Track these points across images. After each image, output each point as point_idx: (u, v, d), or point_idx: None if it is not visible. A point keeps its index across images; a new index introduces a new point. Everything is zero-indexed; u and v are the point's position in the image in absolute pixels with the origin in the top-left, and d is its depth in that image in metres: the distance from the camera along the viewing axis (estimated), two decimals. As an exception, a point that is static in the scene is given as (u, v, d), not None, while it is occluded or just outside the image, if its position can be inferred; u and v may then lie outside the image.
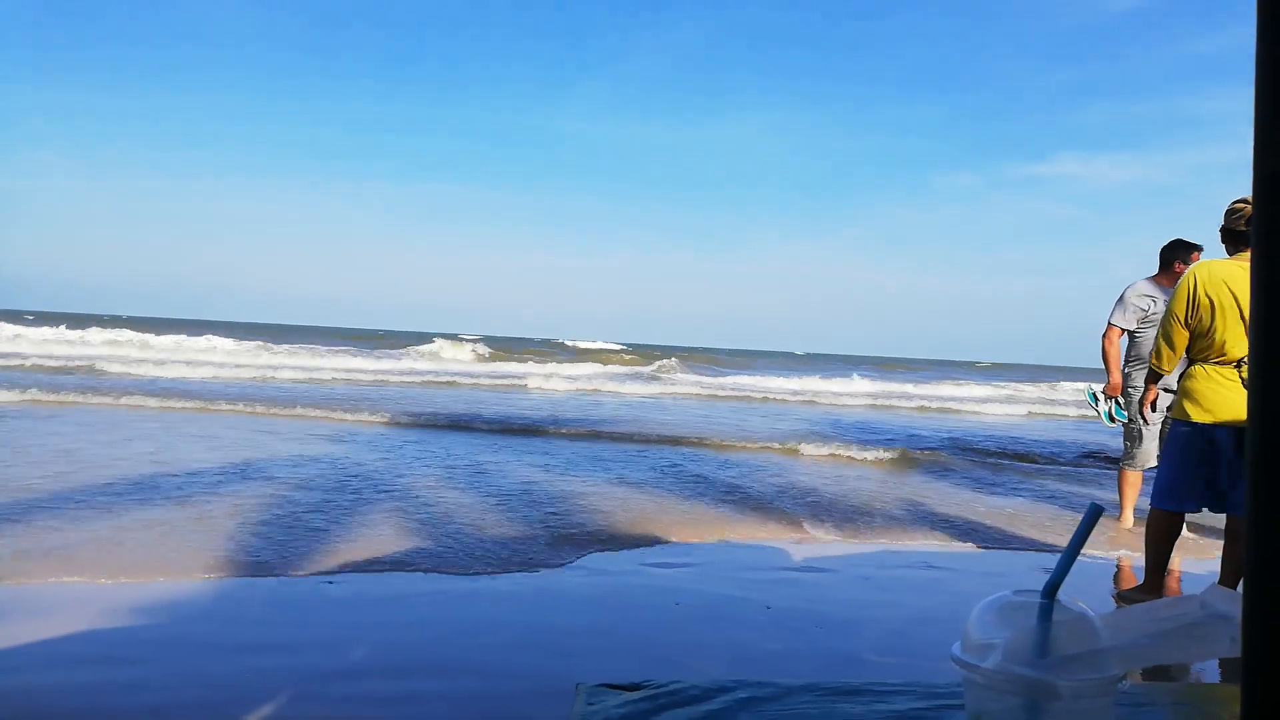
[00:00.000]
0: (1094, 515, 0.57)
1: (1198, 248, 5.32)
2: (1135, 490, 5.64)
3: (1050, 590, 0.56)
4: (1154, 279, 5.51)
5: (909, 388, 22.61)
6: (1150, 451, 5.48)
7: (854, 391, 20.64)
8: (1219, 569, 3.89)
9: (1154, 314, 5.44)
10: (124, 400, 10.17)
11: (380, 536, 4.40)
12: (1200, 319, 3.65)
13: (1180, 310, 3.70)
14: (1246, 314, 3.46)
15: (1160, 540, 3.86)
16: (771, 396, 17.88)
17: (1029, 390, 24.25)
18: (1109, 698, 0.56)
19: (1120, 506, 5.66)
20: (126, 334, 23.84)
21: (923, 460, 8.40)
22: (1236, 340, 3.59)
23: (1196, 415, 3.67)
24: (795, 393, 19.21)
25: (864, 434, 10.71)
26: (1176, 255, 5.40)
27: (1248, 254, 3.70)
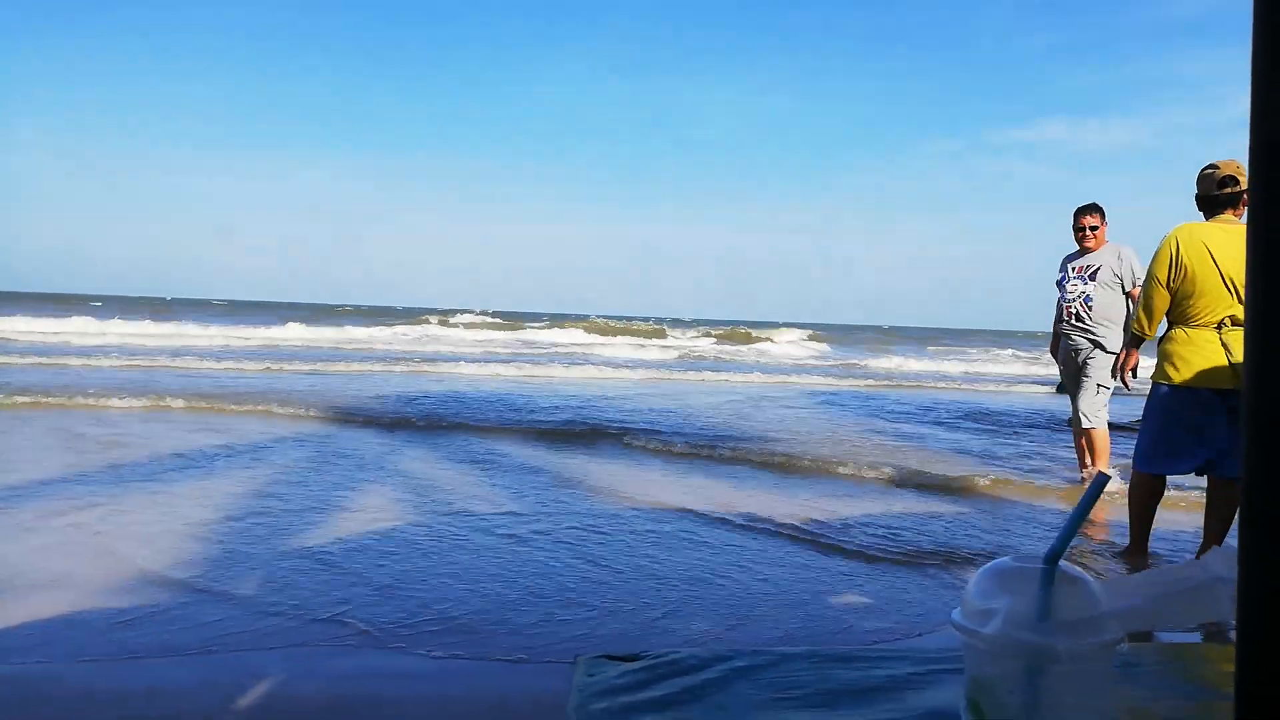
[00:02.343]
0: (1101, 484, 0.57)
1: (1082, 210, 5.74)
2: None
3: (1053, 557, 0.57)
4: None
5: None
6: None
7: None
8: (1203, 530, 3.94)
9: (1058, 279, 5.89)
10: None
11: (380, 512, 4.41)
12: (1181, 282, 3.67)
13: (1162, 273, 3.73)
14: (1227, 276, 3.52)
15: (1143, 503, 3.91)
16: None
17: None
18: (1108, 661, 0.57)
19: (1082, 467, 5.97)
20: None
21: None
22: (1217, 303, 3.61)
23: (1177, 378, 3.70)
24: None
25: None
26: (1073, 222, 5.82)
27: (1225, 217, 3.74)
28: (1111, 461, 5.90)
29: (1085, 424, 5.72)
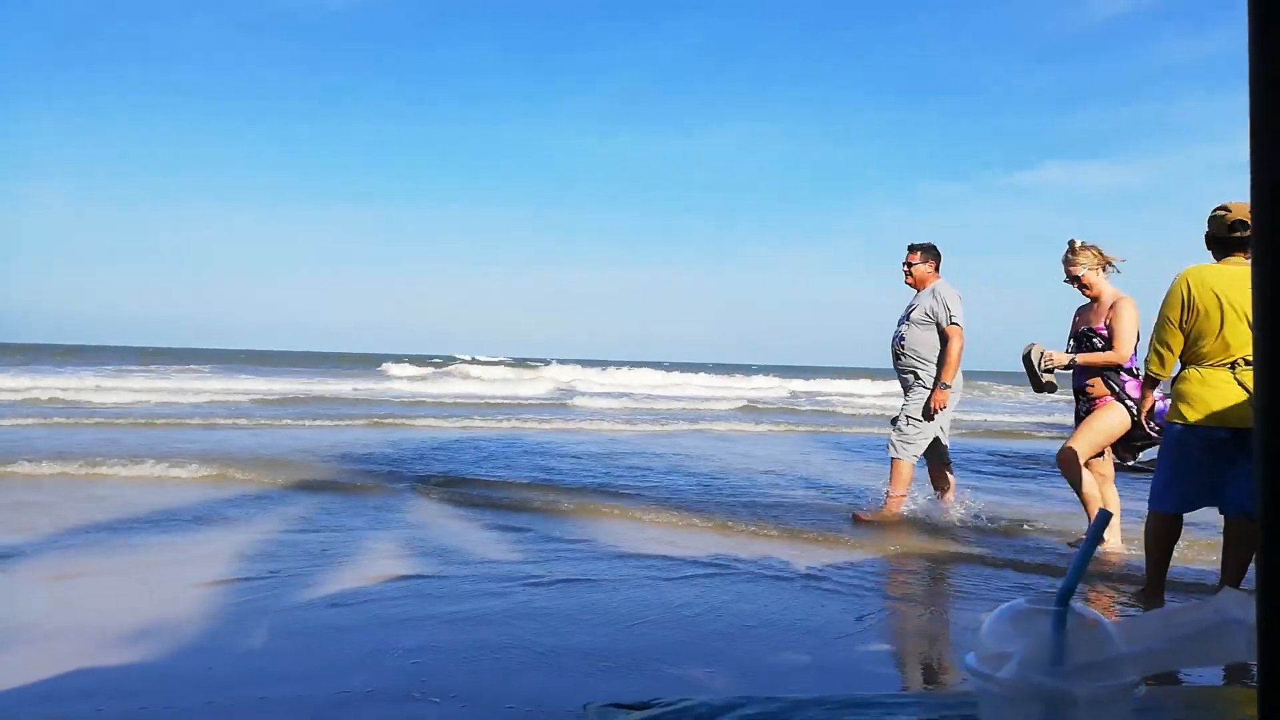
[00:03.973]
0: (1104, 521, 0.57)
1: (908, 248, 5.91)
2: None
3: (1064, 597, 0.56)
4: None
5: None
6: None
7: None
8: (1220, 570, 3.89)
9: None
10: None
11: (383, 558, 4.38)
12: (1194, 323, 3.67)
13: (1174, 314, 3.73)
14: (1239, 316, 3.51)
15: (1160, 544, 3.86)
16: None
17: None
18: (1126, 704, 0.56)
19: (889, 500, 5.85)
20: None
21: None
22: (1229, 342, 3.61)
23: (1192, 417, 3.68)
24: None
25: None
26: None
27: (1235, 259, 3.73)
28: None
29: (890, 452, 5.77)
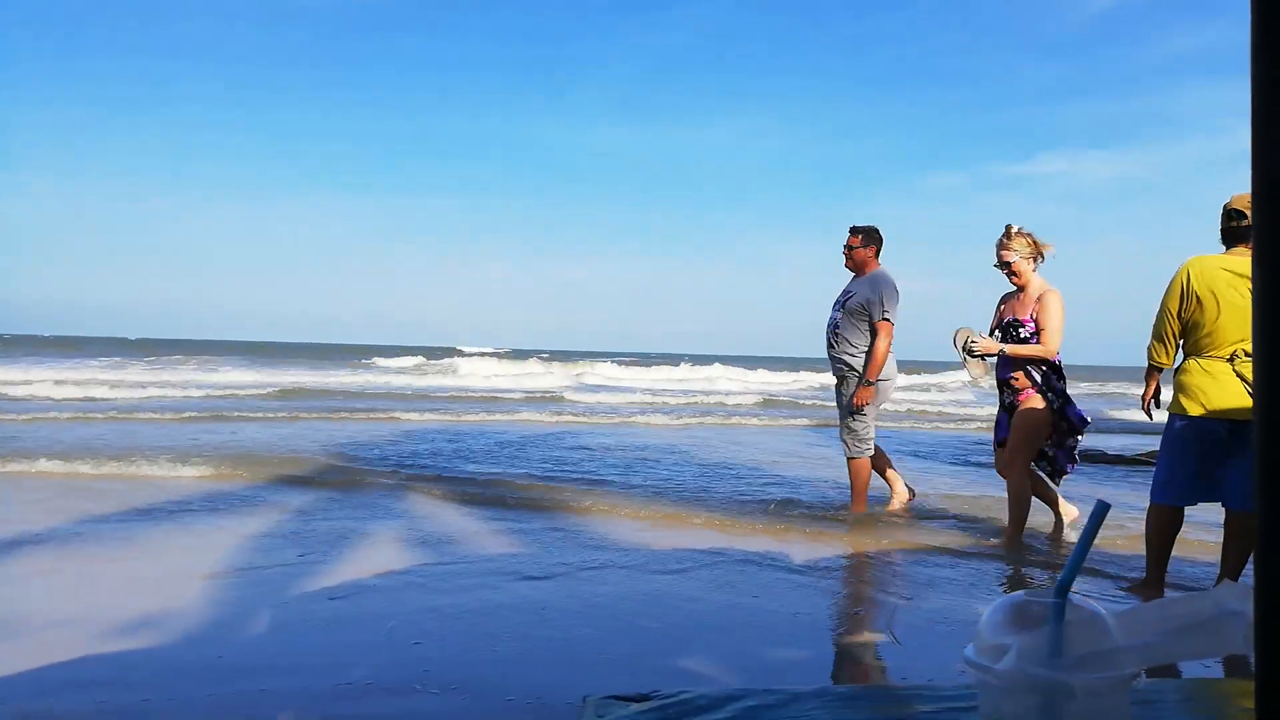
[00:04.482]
0: (1102, 512, 0.57)
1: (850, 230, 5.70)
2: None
3: (1062, 589, 0.56)
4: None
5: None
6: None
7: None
8: (1220, 563, 3.89)
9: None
10: None
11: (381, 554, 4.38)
12: (1193, 313, 3.66)
13: (1173, 304, 3.72)
14: (1238, 308, 3.50)
15: (1160, 535, 3.86)
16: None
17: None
18: (1124, 696, 0.56)
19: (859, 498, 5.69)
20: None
21: None
22: (1228, 334, 3.60)
23: (1192, 409, 3.68)
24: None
25: None
26: None
27: (1239, 250, 3.73)
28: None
29: (846, 452, 5.61)
